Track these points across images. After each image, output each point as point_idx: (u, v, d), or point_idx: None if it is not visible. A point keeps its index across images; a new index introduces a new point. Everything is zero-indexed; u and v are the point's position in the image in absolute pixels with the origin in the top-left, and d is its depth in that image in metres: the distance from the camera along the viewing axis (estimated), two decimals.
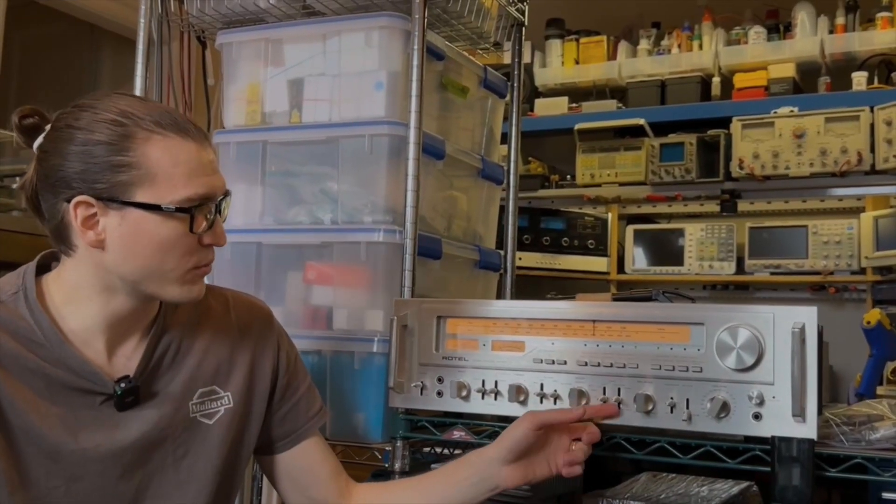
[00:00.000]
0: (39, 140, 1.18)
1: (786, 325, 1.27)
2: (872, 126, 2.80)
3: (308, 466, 1.39)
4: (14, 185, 2.64)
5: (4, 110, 3.77)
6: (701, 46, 3.44)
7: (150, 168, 1.13)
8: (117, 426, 1.19)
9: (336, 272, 1.73)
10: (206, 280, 1.25)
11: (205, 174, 1.17)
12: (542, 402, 1.43)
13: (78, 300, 1.18)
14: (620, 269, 3.65)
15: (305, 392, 1.41)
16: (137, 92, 1.96)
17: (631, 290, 2.40)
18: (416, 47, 1.67)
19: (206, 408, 1.27)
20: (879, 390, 2.37)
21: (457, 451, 1.84)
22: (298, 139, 1.81)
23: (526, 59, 3.16)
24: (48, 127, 1.18)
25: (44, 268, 1.23)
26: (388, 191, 1.71)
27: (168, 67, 2.11)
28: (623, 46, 3.59)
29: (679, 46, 3.49)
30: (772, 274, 3.33)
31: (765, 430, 1.27)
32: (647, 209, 3.71)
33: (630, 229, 3.66)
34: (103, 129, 1.13)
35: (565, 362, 1.42)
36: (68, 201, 1.13)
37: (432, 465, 1.62)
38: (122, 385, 1.18)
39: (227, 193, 1.21)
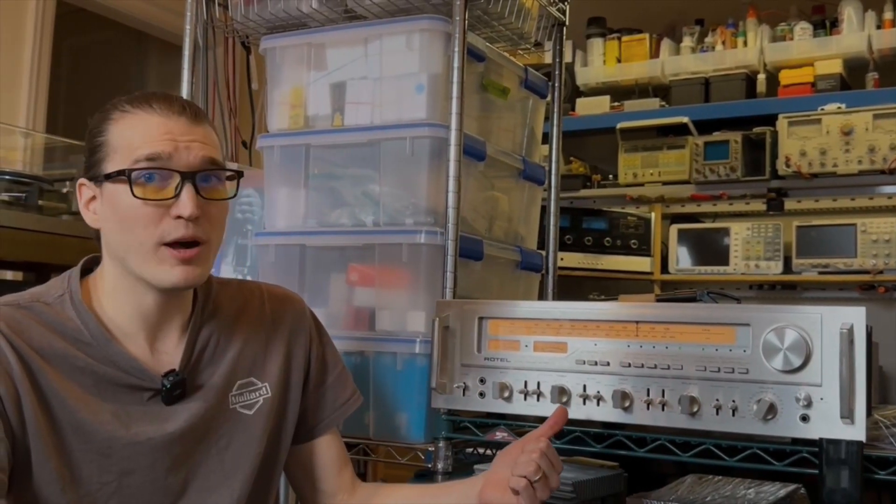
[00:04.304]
0: None
1: (833, 325, 1.25)
2: None
3: (329, 456, 1.41)
4: (64, 190, 2.68)
5: (54, 116, 3.86)
6: (745, 43, 3.40)
7: (113, 143, 1.18)
8: (166, 420, 1.21)
9: (378, 274, 1.74)
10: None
11: (160, 139, 1.16)
12: (584, 403, 1.43)
13: (116, 292, 1.21)
14: (664, 269, 3.61)
15: (334, 381, 1.43)
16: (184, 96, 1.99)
17: (675, 290, 2.38)
18: (456, 49, 1.67)
19: (244, 399, 1.30)
20: None
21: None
22: (341, 142, 1.82)
23: (567, 58, 3.15)
24: None
25: (87, 272, 1.26)
26: (429, 192, 1.72)
27: (213, 73, 2.14)
28: (666, 44, 3.55)
29: (723, 43, 3.45)
30: (820, 273, 3.26)
31: (812, 431, 1.25)
32: (691, 208, 3.67)
33: (674, 229, 3.62)
34: (94, 119, 1.22)
35: (608, 363, 1.42)
36: None
37: (475, 466, 1.62)
38: (170, 378, 1.21)
39: (211, 170, 1.19)
